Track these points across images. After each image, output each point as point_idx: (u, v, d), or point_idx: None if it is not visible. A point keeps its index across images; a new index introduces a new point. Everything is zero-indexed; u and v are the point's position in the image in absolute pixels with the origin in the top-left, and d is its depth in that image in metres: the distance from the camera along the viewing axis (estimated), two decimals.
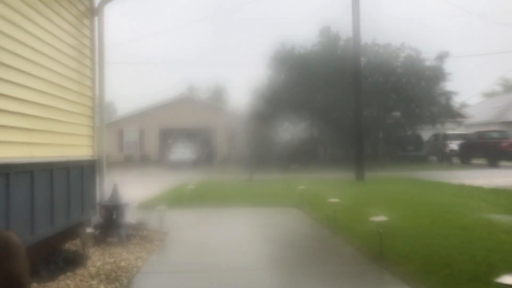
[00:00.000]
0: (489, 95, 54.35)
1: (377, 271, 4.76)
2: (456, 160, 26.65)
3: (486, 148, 25.09)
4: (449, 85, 28.34)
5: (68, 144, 5.91)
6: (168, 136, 34.37)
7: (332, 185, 13.08)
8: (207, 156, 32.93)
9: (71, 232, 5.72)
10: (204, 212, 8.99)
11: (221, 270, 4.87)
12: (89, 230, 5.20)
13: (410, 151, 29.44)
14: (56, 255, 5.15)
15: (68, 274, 4.51)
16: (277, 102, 26.61)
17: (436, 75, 27.77)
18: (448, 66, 28.03)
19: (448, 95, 28.55)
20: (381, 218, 5.17)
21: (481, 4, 71.05)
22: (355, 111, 16.53)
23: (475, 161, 26.75)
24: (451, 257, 4.85)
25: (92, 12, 6.85)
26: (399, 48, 27.89)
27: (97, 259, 5.15)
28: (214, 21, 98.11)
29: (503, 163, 24.59)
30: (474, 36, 77.32)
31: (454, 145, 27.45)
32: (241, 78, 59.66)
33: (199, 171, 24.05)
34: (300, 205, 9.26)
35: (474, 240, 5.63)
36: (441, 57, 27.82)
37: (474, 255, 4.88)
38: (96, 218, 6.66)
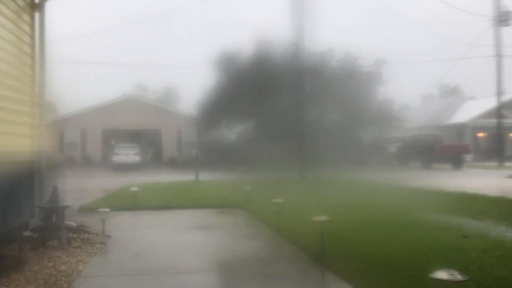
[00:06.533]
0: (427, 98, 57.83)
1: (319, 270, 4.89)
2: (394, 162, 27.74)
3: (421, 151, 26.38)
4: (388, 90, 29.52)
5: (4, 144, 5.65)
6: (112, 137, 33.42)
7: (276, 185, 13.25)
8: (152, 158, 32.31)
9: (7, 236, 5.45)
10: (148, 215, 8.86)
11: (164, 273, 4.84)
12: (27, 233, 5.00)
13: (350, 153, 30.31)
14: None
15: (3, 280, 4.31)
16: (222, 105, 26.70)
17: (373, 81, 28.80)
18: (387, 72, 29.12)
19: (387, 99, 29.67)
20: (323, 217, 5.31)
21: (423, 16, 74.69)
22: (297, 115, 16.95)
23: (412, 163, 28.00)
24: (390, 254, 5.07)
25: (33, 8, 6.58)
26: (334, 53, 28.61)
27: (35, 263, 4.96)
28: (164, 20, 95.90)
29: (436, 165, 25.95)
30: (413, 44, 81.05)
31: (392, 148, 28.59)
32: (191, 79, 58.91)
33: (144, 173, 23.60)
34: (246, 205, 9.33)
35: (412, 238, 5.91)
36: (379, 63, 28.86)
37: (412, 253, 5.13)
38: (35, 221, 6.40)
